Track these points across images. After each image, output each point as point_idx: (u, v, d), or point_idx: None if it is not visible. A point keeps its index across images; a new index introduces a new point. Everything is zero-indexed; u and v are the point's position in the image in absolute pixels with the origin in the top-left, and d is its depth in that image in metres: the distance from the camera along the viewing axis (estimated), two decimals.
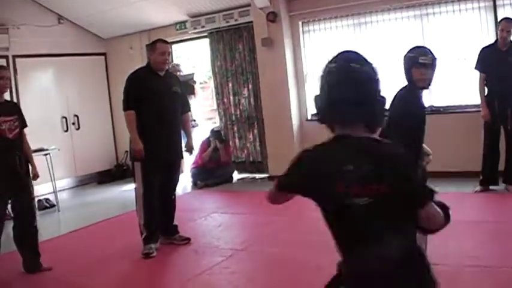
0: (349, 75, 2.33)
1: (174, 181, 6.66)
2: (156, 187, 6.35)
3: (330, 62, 2.44)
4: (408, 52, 4.58)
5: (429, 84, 4.56)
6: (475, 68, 7.58)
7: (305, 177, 2.42)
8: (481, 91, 7.54)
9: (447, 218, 2.46)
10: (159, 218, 6.40)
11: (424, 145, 4.72)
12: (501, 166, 7.60)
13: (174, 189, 6.68)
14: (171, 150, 6.43)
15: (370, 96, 2.32)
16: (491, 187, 7.59)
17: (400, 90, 4.59)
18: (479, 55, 7.56)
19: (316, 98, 2.44)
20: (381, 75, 2.39)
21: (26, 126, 6.20)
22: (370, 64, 2.38)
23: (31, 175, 6.18)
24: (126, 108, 6.26)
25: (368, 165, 2.24)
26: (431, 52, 4.54)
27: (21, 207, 5.99)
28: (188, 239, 6.54)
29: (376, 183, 2.23)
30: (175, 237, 6.54)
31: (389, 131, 4.32)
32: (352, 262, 2.39)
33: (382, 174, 2.23)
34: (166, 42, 6.54)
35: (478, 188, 7.64)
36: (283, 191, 2.63)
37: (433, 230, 2.44)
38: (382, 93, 2.36)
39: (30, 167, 6.21)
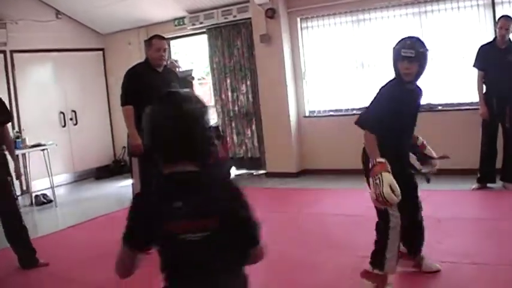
0: (174, 116, 2.32)
1: None
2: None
3: (157, 103, 2.42)
4: (396, 44, 4.47)
5: (416, 78, 4.42)
6: (474, 65, 7.57)
7: (141, 223, 2.41)
8: (480, 89, 7.53)
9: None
10: None
11: (431, 150, 4.76)
12: (498, 164, 7.61)
13: None
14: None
15: (196, 133, 2.35)
16: (488, 185, 7.60)
17: (387, 82, 4.53)
18: (477, 53, 7.55)
19: (145, 137, 2.43)
20: (208, 111, 2.44)
21: (8, 121, 6.16)
22: (196, 102, 2.40)
23: (13, 174, 6.10)
24: (124, 103, 6.27)
25: (196, 200, 2.29)
26: (420, 44, 4.41)
27: (4, 207, 5.93)
28: None
29: (204, 218, 2.28)
30: None
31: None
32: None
33: (209, 209, 2.29)
34: (162, 38, 6.51)
35: (476, 185, 7.64)
36: (131, 248, 2.51)
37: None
38: (207, 126, 2.42)
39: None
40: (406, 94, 4.45)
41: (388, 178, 4.05)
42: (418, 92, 4.60)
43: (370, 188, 4.18)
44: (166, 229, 2.33)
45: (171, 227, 2.31)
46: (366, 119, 4.44)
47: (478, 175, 7.64)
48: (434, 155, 4.74)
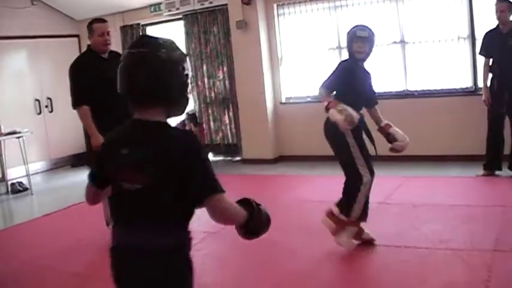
0: (142, 62, 2.33)
1: None
2: None
3: (130, 46, 2.43)
4: (350, 29, 5.38)
5: (366, 57, 5.30)
6: (479, 53, 7.62)
7: (98, 163, 2.50)
8: (485, 76, 7.51)
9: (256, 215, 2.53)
10: None
11: (399, 130, 5.28)
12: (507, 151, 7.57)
13: None
14: None
15: (165, 83, 2.32)
16: (496, 172, 7.53)
17: (342, 61, 5.58)
18: (482, 40, 7.57)
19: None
20: (187, 62, 2.40)
21: None
22: (171, 50, 2.37)
23: None
24: (77, 103, 5.91)
25: (141, 150, 2.29)
26: (369, 28, 5.29)
27: None
28: None
29: (142, 171, 2.27)
30: None
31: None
32: (114, 238, 2.43)
33: (149, 163, 2.27)
34: (104, 21, 6.21)
35: (482, 172, 7.58)
36: (93, 182, 2.56)
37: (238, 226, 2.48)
38: (183, 79, 2.38)
39: None
40: (359, 68, 5.32)
41: (345, 105, 4.92)
42: (367, 72, 5.43)
43: (334, 117, 4.93)
44: (109, 172, 2.37)
45: (113, 172, 2.35)
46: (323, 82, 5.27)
47: (485, 162, 7.57)
48: (399, 137, 5.31)
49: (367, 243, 5.26)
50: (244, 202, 2.52)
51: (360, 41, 5.18)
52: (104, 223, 6.39)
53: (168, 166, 2.25)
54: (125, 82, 2.38)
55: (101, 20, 6.19)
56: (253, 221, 2.50)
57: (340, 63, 5.44)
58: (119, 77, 2.41)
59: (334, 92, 5.24)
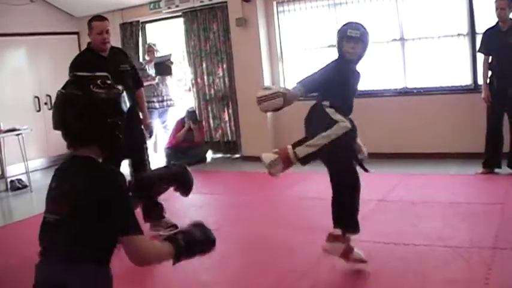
0: (69, 103, 2.41)
1: (142, 165, 6.35)
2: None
3: (63, 85, 2.51)
4: (341, 26, 4.83)
5: (358, 59, 4.75)
6: (479, 50, 7.60)
7: None
8: (484, 74, 7.50)
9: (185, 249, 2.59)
10: None
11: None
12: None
13: (145, 171, 6.42)
14: (128, 139, 6.21)
15: (91, 125, 2.39)
16: (495, 170, 7.52)
17: (331, 62, 4.85)
18: (482, 37, 7.56)
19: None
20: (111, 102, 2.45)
21: None
22: (100, 90, 2.41)
23: None
24: None
25: (66, 184, 2.39)
26: (363, 27, 4.72)
27: None
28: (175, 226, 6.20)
29: (59, 201, 2.37)
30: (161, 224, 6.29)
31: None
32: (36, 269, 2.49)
33: (66, 194, 2.35)
34: (104, 18, 6.13)
35: (481, 170, 7.58)
36: None
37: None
38: (113, 120, 2.45)
39: None
40: (350, 71, 4.80)
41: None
42: (358, 72, 4.89)
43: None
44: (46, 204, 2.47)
45: (46, 202, 2.48)
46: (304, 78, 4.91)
47: (484, 159, 7.56)
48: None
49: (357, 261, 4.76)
50: (172, 239, 2.56)
51: (352, 41, 4.63)
52: None
53: (84, 201, 2.30)
54: (55, 122, 2.45)
55: (100, 18, 6.11)
56: (180, 259, 2.58)
57: (329, 63, 4.83)
58: (52, 116, 2.49)
59: (317, 94, 4.99)
